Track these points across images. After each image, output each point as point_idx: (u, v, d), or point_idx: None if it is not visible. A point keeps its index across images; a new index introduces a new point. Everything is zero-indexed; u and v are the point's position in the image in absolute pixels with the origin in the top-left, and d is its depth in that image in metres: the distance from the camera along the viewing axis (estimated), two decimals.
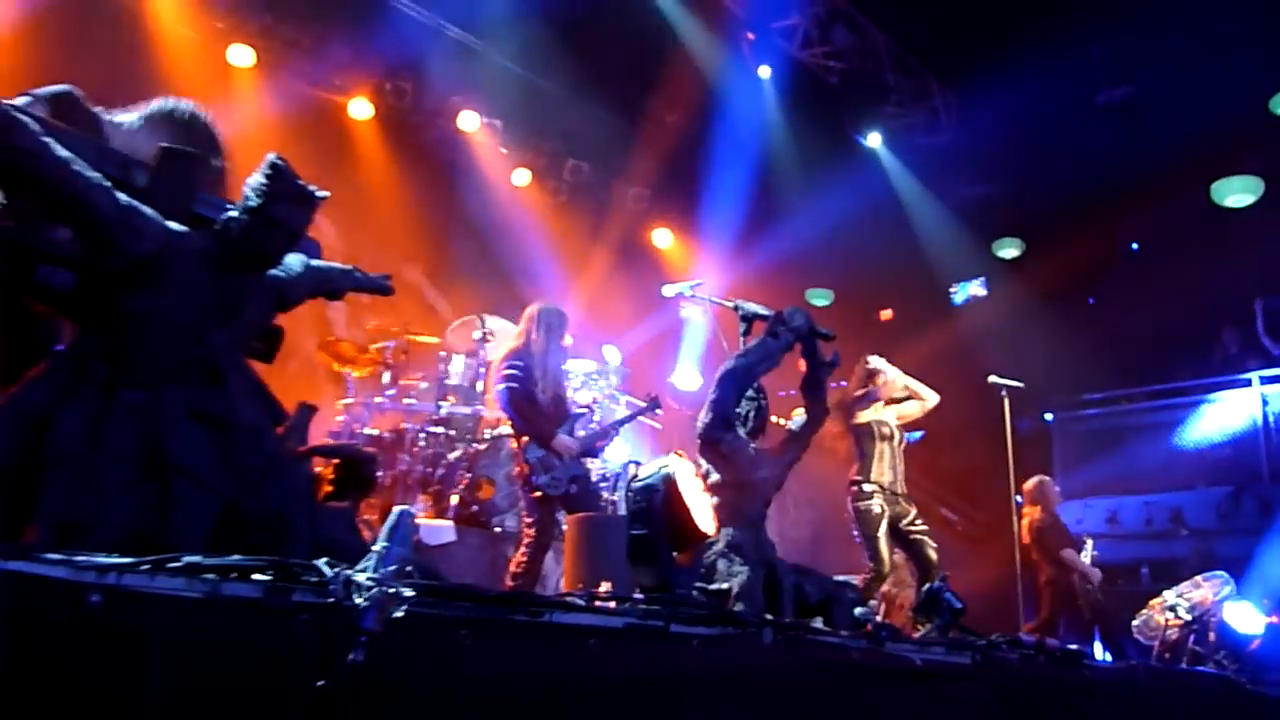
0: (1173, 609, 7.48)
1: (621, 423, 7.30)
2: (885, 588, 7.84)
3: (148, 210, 3.19)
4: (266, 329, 3.86)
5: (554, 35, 10.20)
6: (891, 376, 7.37)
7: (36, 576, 1.98)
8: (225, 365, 3.31)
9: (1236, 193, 10.73)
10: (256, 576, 2.27)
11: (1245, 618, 7.51)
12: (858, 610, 4.85)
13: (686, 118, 11.49)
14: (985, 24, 10.39)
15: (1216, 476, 10.21)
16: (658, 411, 7.67)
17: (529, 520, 6.31)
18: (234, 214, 3.28)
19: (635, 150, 11.73)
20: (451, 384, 8.17)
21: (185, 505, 2.98)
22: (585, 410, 7.72)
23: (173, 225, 3.26)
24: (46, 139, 3.00)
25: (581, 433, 6.72)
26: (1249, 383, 10.37)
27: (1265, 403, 10.19)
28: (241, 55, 9.31)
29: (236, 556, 2.31)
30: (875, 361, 7.41)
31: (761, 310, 5.19)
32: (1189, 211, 10.72)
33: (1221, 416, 10.49)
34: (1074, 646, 5.51)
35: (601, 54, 10.47)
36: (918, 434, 7.68)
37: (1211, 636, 7.44)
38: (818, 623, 4.74)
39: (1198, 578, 7.79)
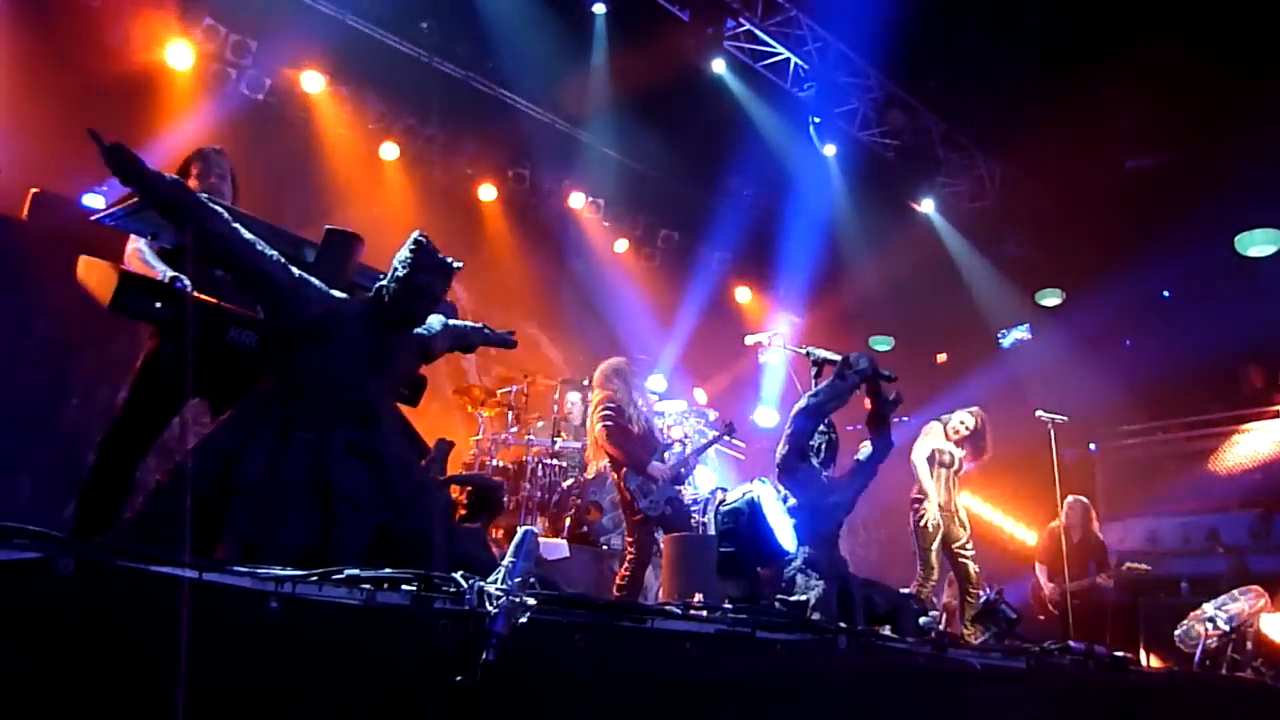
0: (1211, 620, 7.06)
1: (701, 449, 7.24)
2: (946, 599, 7.61)
3: (315, 281, 3.30)
4: (412, 378, 3.94)
5: (646, 126, 10.37)
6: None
7: (227, 586, 2.04)
8: (379, 409, 3.37)
9: (1258, 244, 10.32)
10: (405, 587, 2.30)
11: None
12: (922, 619, 4.71)
13: (762, 192, 11.54)
14: (1023, 102, 10.21)
15: (1248, 498, 9.77)
16: (733, 437, 7.59)
17: (631, 539, 6.30)
18: (385, 283, 3.37)
19: (718, 220, 11.79)
20: (564, 422, 8.25)
21: (346, 526, 3.04)
22: (680, 444, 7.71)
23: (335, 293, 3.36)
24: (235, 224, 3.13)
25: (669, 456, 6.72)
26: (1277, 414, 9.92)
27: None
28: (389, 151, 9.65)
29: (388, 570, 2.36)
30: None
31: (830, 355, 5.12)
32: (1214, 261, 10.32)
33: (1252, 444, 10.04)
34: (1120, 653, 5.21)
35: (687, 140, 10.59)
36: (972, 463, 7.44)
37: (1249, 645, 7.01)
38: (886, 630, 4.62)
39: (1234, 591, 7.35)
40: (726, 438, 7.43)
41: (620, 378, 6.51)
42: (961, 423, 7.14)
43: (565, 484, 7.73)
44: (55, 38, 7.31)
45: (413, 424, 3.97)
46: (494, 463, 7.87)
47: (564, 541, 7.09)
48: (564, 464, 7.89)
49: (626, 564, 6.23)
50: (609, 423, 6.28)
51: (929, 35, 9.61)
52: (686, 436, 8.06)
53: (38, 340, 5.56)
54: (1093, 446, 11.05)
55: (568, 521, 7.46)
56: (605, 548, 7.41)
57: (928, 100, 11.15)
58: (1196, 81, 9.36)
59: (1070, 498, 8.15)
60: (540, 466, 7.80)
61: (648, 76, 9.48)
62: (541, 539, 6.91)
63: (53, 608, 1.77)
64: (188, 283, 3.48)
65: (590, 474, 7.68)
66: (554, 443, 7.99)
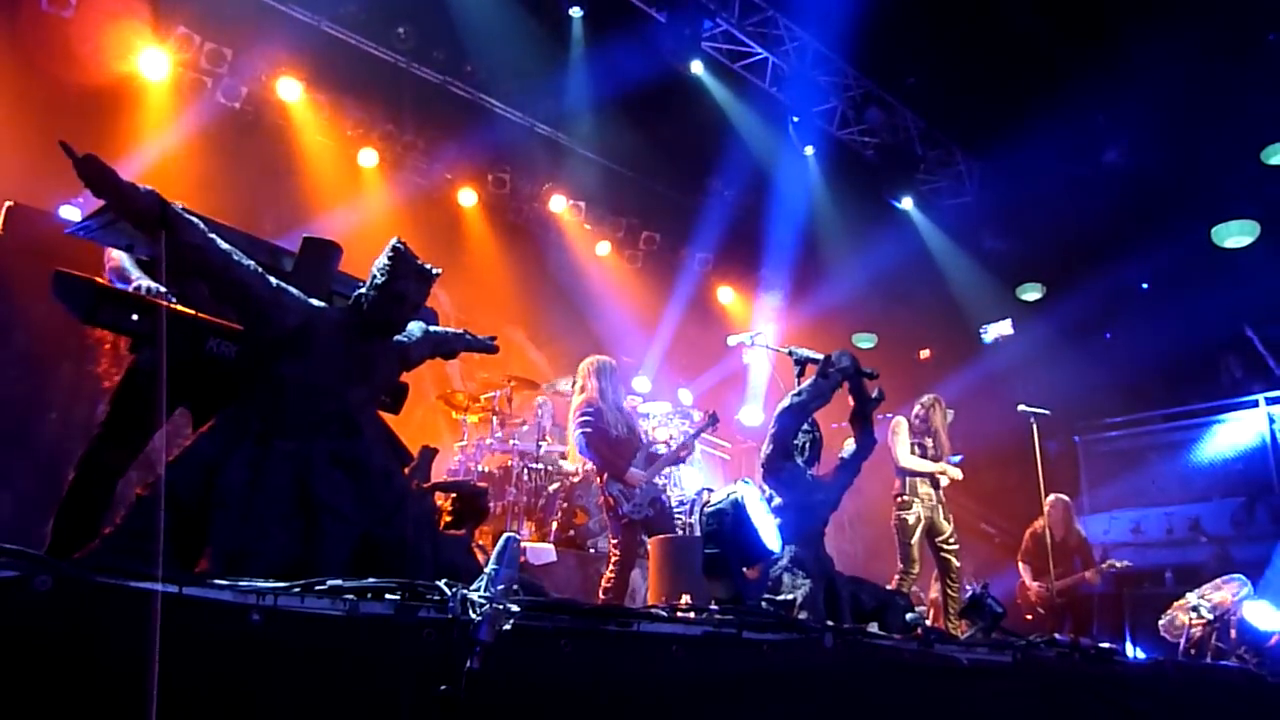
0: (1195, 609, 7.12)
1: (685, 443, 7.23)
2: (934, 594, 7.64)
3: (293, 290, 3.28)
4: (394, 386, 3.92)
5: (627, 128, 10.39)
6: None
7: (208, 600, 2.03)
8: (360, 417, 3.36)
9: (1235, 235, 10.41)
10: (388, 597, 2.29)
11: (1263, 615, 7.14)
12: (909, 615, 4.72)
13: (743, 192, 11.57)
14: (1000, 98, 10.27)
15: (1230, 488, 9.83)
16: (716, 428, 7.58)
17: (615, 542, 6.29)
18: (364, 290, 3.35)
19: (700, 221, 11.83)
20: (548, 427, 8.24)
21: (328, 537, 3.02)
22: (665, 445, 7.70)
23: (314, 302, 3.34)
24: (211, 235, 3.11)
25: (653, 451, 6.73)
26: (1256, 403, 10.03)
27: (1272, 420, 9.82)
28: (368, 157, 9.62)
29: (371, 580, 2.35)
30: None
31: (813, 354, 5.13)
32: (1192, 253, 10.41)
33: (1232, 434, 10.13)
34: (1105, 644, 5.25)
35: (668, 142, 10.60)
36: (957, 457, 7.47)
37: (1232, 634, 7.06)
38: (873, 627, 4.63)
39: (1218, 580, 7.41)
40: (712, 428, 7.40)
41: (602, 377, 6.47)
42: (916, 415, 7.21)
43: (551, 488, 7.72)
44: (26, 49, 7.24)
45: (397, 431, 3.96)
46: (479, 468, 7.84)
47: (550, 546, 7.07)
48: (549, 468, 7.88)
49: (611, 567, 6.21)
50: (587, 429, 6.25)
51: (905, 34, 9.64)
52: (672, 438, 8.07)
53: (15, 354, 5.50)
54: (1076, 439, 11.13)
55: (554, 526, 7.45)
56: (593, 551, 7.41)
57: (906, 98, 11.21)
58: (1171, 75, 9.43)
59: (1051, 497, 8.20)
60: (526, 471, 7.78)
61: (627, 78, 9.49)
62: (528, 544, 6.92)
63: (31, 626, 1.75)
64: (164, 292, 3.46)
65: (575, 476, 7.68)
66: (539, 447, 7.98)
